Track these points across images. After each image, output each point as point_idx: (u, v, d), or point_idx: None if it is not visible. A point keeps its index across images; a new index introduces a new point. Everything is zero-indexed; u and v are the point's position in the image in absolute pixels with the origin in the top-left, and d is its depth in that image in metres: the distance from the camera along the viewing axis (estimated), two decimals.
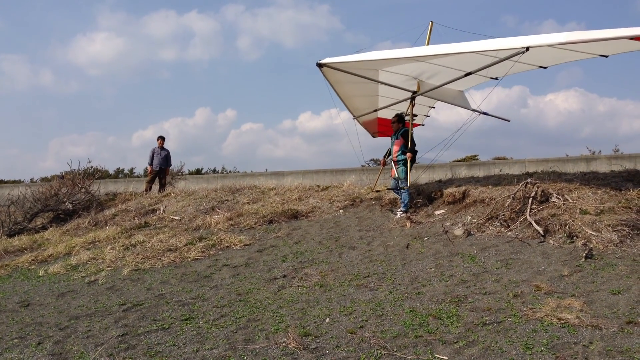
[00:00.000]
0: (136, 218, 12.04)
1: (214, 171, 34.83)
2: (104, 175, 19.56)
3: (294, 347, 5.07)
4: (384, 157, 12.06)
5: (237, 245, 9.58)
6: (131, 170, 36.48)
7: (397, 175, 10.89)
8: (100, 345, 5.52)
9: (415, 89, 11.48)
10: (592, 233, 7.52)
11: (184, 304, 6.80)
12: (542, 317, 5.31)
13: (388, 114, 12.79)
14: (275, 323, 5.85)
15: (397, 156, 11.00)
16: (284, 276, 7.74)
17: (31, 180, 33.84)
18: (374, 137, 15.50)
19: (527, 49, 7.71)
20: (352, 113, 13.40)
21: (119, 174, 35.79)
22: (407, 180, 10.64)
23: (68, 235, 11.42)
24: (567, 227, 7.86)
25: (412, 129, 11.20)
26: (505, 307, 5.75)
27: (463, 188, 10.50)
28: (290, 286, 7.26)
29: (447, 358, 4.60)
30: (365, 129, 14.85)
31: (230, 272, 8.15)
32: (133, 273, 8.51)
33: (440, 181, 12.29)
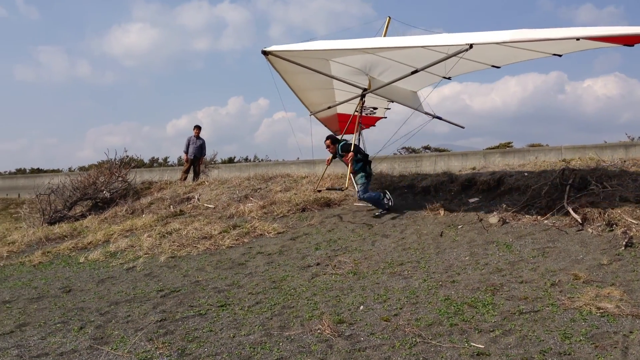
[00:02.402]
0: (171, 206, 12.24)
1: (247, 160, 35.13)
2: (139, 164, 19.92)
3: (328, 334, 5.11)
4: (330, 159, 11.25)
5: (270, 233, 9.66)
6: (165, 159, 37.04)
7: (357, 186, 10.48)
8: (139, 330, 5.65)
9: (366, 85, 10.82)
10: (632, 221, 7.35)
11: (219, 291, 6.90)
12: (580, 307, 5.23)
13: (349, 109, 12.16)
14: (309, 310, 5.90)
15: (353, 169, 10.46)
16: (318, 264, 7.78)
17: (69, 169, 34.70)
18: (336, 135, 14.86)
19: (471, 46, 7.34)
20: (307, 108, 12.84)
21: (153, 163, 36.36)
22: (363, 188, 10.25)
23: (106, 223, 11.68)
24: (606, 215, 7.70)
25: (358, 128, 10.80)
26: (542, 296, 5.68)
27: (497, 175, 10.36)
28: (324, 274, 7.29)
29: (483, 346, 4.58)
30: (326, 126, 14.36)
31: (264, 260, 8.23)
32: (169, 260, 8.66)
33: (474, 169, 12.15)
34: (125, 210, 12.43)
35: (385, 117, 14.13)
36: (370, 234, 9.06)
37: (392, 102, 12.20)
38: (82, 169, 29.62)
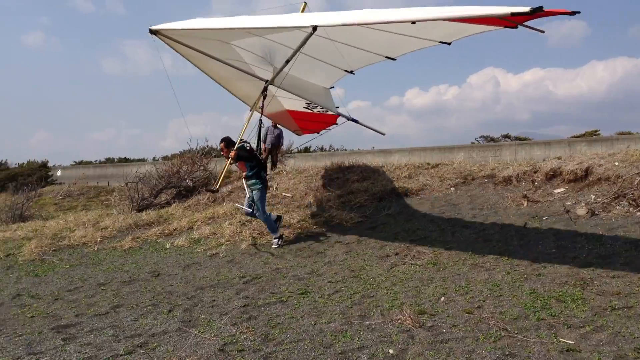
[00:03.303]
0: None
1: (322, 149, 35.35)
2: (219, 153, 20.38)
3: (409, 324, 5.08)
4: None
5: (348, 222, 9.70)
6: None
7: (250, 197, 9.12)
8: (224, 314, 5.85)
9: (269, 76, 9.61)
10: None
11: (299, 279, 7.02)
12: None
13: (297, 106, 10.98)
14: (389, 300, 5.89)
15: (245, 175, 9.19)
16: (396, 254, 7.74)
17: (153, 158, 36.19)
18: (298, 135, 13.76)
19: (315, 28, 6.91)
20: (244, 102, 11.38)
21: None
22: (261, 205, 8.98)
23: (190, 211, 12.12)
24: None
25: (260, 128, 9.71)
26: (636, 291, 5.40)
27: (585, 165, 9.88)
28: (403, 264, 7.26)
29: (573, 342, 4.41)
30: (284, 126, 12.91)
31: (343, 249, 8.28)
32: (250, 247, 8.89)
33: (559, 158, 11.65)
34: (207, 199, 12.83)
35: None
36: (450, 224, 8.91)
37: (305, 100, 10.58)
38: (165, 158, 30.82)
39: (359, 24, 6.69)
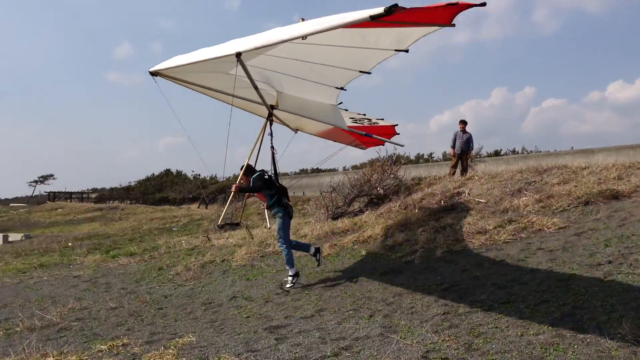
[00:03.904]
0: (442, 201, 12.38)
1: (514, 152, 33.75)
2: (406, 161, 20.58)
3: (631, 339, 4.60)
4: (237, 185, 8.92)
5: (550, 228, 9.09)
6: (430, 155, 37.69)
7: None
8: (425, 321, 5.85)
9: (274, 101, 9.26)
10: None
11: (500, 287, 6.75)
12: None
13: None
14: (605, 312, 5.39)
15: (267, 205, 8.88)
16: (609, 262, 7.05)
17: (344, 168, 37.61)
18: (363, 149, 13.02)
19: (239, 54, 6.46)
20: (288, 126, 11.01)
21: (419, 159, 37.31)
22: (284, 234, 8.54)
23: (382, 218, 12.35)
24: None
25: (274, 156, 9.05)
26: None
27: None
28: (619, 273, 6.58)
29: None
30: (342, 142, 11.87)
31: (546, 257, 7.78)
32: (445, 254, 8.78)
33: None
34: (399, 206, 12.97)
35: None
36: None
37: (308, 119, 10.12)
38: (354, 167, 31.84)
39: (274, 43, 6.54)
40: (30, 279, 12.07)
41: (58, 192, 73.63)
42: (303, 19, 8.55)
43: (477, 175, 14.43)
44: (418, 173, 19.57)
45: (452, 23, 5.86)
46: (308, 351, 5.47)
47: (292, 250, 8.70)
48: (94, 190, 74.26)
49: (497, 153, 33.80)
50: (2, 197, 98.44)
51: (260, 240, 12.36)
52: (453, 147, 16.62)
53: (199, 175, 46.93)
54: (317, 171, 41.92)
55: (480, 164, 20.33)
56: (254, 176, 8.65)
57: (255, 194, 9.12)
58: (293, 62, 8.03)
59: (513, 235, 9.07)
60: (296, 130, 11.11)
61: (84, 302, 9.16)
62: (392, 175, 15.41)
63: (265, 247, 11.64)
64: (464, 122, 16.64)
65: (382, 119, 11.75)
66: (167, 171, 56.93)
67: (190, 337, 6.43)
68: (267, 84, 9.04)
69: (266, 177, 8.70)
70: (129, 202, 54.74)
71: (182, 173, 55.05)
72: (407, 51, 7.36)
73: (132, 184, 59.53)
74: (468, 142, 16.59)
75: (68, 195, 68.77)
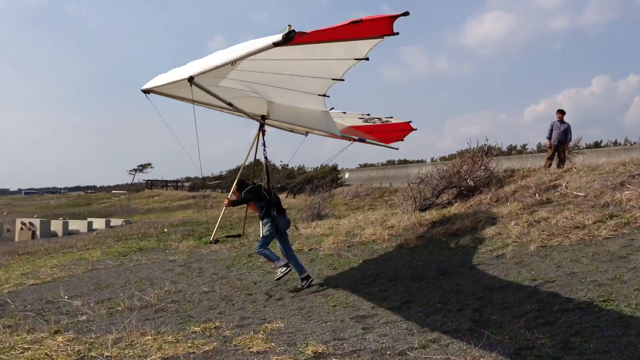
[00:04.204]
0: (537, 194, 11.87)
1: (615, 143, 31.81)
2: (497, 152, 19.91)
3: None
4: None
5: None
6: (524, 146, 36.28)
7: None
8: (517, 317, 5.65)
9: (264, 112, 9.07)
10: None
11: (599, 285, 6.39)
12: None
13: (355, 122, 10.62)
14: None
15: (259, 216, 8.94)
16: None
17: (432, 159, 37.01)
18: (385, 145, 12.47)
19: (191, 78, 6.18)
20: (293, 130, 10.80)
21: (511, 150, 36.01)
22: (264, 240, 8.71)
23: (472, 210, 12.03)
24: None
25: (267, 164, 9.23)
26: None
27: None
28: None
29: None
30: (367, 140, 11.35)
31: None
32: (540, 249, 8.42)
33: None
34: (490, 198, 12.58)
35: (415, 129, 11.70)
36: None
37: (308, 129, 10.30)
38: (442, 159, 31.24)
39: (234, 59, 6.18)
40: (130, 262, 12.83)
41: (155, 180, 77.24)
42: (290, 26, 8.95)
43: (575, 168, 13.72)
44: (510, 165, 18.87)
45: (383, 35, 6.00)
46: (395, 342, 5.45)
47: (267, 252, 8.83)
48: (188, 179, 77.54)
49: (597, 144, 31.97)
50: (105, 185, 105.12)
51: (347, 230, 12.42)
52: (549, 138, 15.89)
53: (287, 165, 47.82)
54: (404, 162, 41.55)
55: (578, 156, 19.28)
56: (245, 189, 8.86)
57: (249, 206, 9.34)
58: (270, 75, 7.94)
59: (614, 230, 8.55)
60: (306, 133, 11.09)
61: (178, 285, 9.61)
62: (482, 167, 14.93)
63: (352, 238, 11.69)
64: (561, 112, 15.86)
65: (392, 117, 11.37)
66: (257, 161, 58.40)
67: (279, 323, 6.60)
68: (257, 94, 8.97)
69: (256, 188, 8.89)
70: (219, 190, 56.75)
71: (271, 163, 56.22)
72: (367, 59, 7.31)
73: (223, 173, 61.61)
74: (566, 133, 15.79)
75: (164, 184, 71.92)
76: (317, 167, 45.08)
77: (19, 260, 16.08)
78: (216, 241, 10.43)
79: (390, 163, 45.73)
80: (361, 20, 5.22)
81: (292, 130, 10.95)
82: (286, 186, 45.76)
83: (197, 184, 65.28)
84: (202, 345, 5.99)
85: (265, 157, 9.16)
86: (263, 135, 9.11)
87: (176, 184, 71.46)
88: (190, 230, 20.26)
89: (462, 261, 8.62)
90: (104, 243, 18.37)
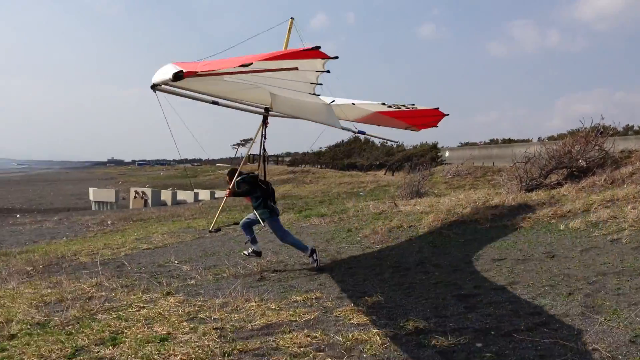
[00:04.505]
0: None
1: None
2: (613, 132, 18.61)
3: None
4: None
5: None
6: None
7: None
8: (633, 304, 5.31)
9: (268, 104, 9.04)
10: None
11: None
12: None
13: (379, 107, 9.84)
14: None
15: (253, 206, 9.01)
16: None
17: (539, 139, 35.30)
18: (415, 131, 12.44)
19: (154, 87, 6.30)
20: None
21: (628, 130, 33.53)
22: (280, 233, 9.03)
23: (584, 192, 11.36)
24: None
25: (262, 155, 9.36)
26: None
27: None
28: None
29: None
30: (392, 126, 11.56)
31: None
32: None
33: None
34: (604, 180, 11.82)
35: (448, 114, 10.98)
36: None
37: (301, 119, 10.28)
38: (551, 138, 29.72)
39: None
40: (234, 232, 13.34)
41: (256, 154, 79.37)
42: (292, 19, 9.16)
43: None
44: (627, 146, 17.61)
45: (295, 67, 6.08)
46: (499, 322, 5.32)
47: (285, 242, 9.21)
48: (288, 154, 79.05)
49: None
50: (210, 158, 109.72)
51: (447, 208, 12.16)
52: None
53: (386, 142, 47.53)
54: (508, 141, 39.94)
55: None
56: (238, 179, 8.96)
57: (245, 197, 9.47)
58: (259, 78, 7.71)
59: None
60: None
61: (280, 256, 9.89)
62: (596, 147, 14.02)
63: (453, 216, 11.45)
64: None
65: (414, 105, 10.52)
66: (356, 138, 58.52)
67: (379, 297, 6.62)
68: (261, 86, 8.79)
69: (249, 180, 8.96)
70: (319, 166, 57.54)
71: (370, 140, 56.12)
72: (328, 72, 7.45)
73: (323, 149, 62.33)
74: None
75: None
76: (417, 145, 44.45)
77: (134, 226, 17.27)
78: (217, 230, 10.89)
79: (494, 142, 44.05)
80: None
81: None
82: (385, 163, 45.53)
83: (297, 159, 66.54)
84: (303, 314, 6.15)
85: (264, 149, 9.39)
86: (265, 127, 9.32)
87: (277, 159, 73.24)
88: (290, 203, 20.75)
89: (572, 244, 8.18)
90: (209, 213, 19.26)
